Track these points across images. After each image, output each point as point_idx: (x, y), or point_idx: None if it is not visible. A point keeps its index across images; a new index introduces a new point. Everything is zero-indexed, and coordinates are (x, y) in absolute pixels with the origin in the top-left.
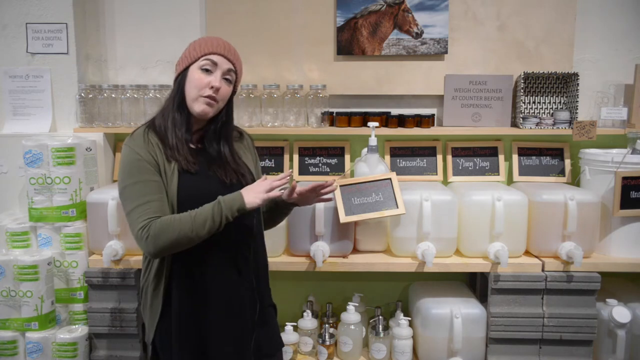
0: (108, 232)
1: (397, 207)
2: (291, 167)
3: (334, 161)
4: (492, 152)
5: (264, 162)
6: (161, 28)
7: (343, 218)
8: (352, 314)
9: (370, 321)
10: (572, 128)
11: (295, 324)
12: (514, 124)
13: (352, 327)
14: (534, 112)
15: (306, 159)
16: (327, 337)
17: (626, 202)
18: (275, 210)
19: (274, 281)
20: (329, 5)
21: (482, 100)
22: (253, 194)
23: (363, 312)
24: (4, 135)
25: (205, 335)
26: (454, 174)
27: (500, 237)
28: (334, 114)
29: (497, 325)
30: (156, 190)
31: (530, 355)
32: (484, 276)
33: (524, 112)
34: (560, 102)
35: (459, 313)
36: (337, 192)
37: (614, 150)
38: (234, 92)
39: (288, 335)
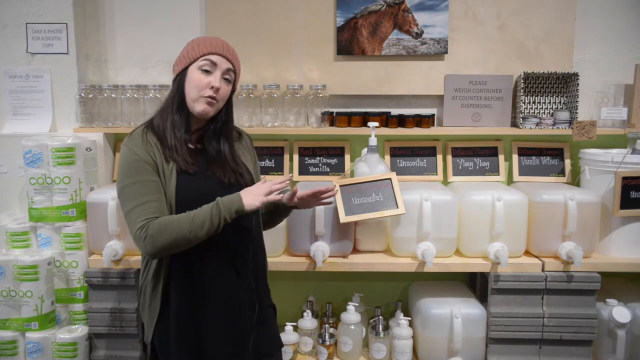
0: (108, 232)
1: (397, 207)
2: (291, 167)
3: (334, 161)
4: (492, 152)
5: (263, 162)
6: (161, 28)
7: (343, 218)
8: (352, 314)
9: (370, 321)
10: (572, 128)
11: (295, 324)
12: (514, 124)
13: (352, 327)
14: (534, 112)
15: (306, 159)
16: (327, 337)
17: (626, 202)
18: (275, 212)
19: (274, 281)
20: (329, 5)
21: (482, 100)
22: (252, 196)
23: (363, 312)
24: (4, 135)
25: (203, 336)
26: (454, 174)
27: (500, 237)
28: (334, 114)
29: (497, 325)
30: (154, 190)
31: (530, 355)
32: (484, 276)
33: (524, 112)
34: (560, 102)
35: (459, 313)
36: (337, 192)
37: (614, 150)
38: (233, 91)
39: (288, 335)
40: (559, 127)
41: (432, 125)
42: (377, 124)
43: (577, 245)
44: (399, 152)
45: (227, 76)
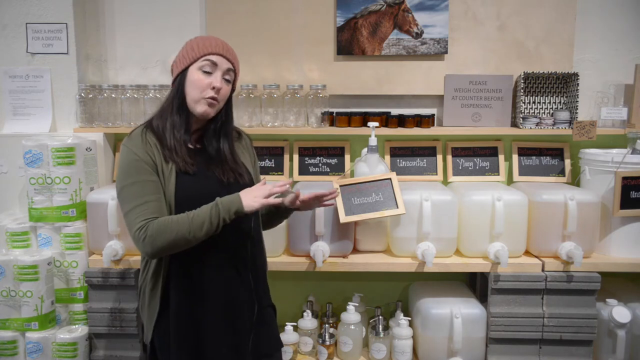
0: (108, 232)
1: (397, 207)
2: (291, 167)
3: (334, 161)
4: (492, 152)
5: (263, 162)
6: (161, 28)
7: (343, 218)
8: (352, 314)
9: (370, 321)
10: (572, 128)
11: (295, 324)
12: (514, 124)
13: (352, 327)
14: (534, 112)
15: (306, 159)
16: (327, 337)
17: (626, 202)
18: (276, 214)
19: (274, 281)
20: (329, 5)
21: (482, 100)
22: (252, 198)
23: (363, 312)
24: (4, 135)
25: (202, 336)
26: (454, 174)
27: (500, 237)
28: (334, 114)
29: (497, 325)
30: (154, 190)
31: (530, 355)
32: (484, 276)
33: (524, 112)
34: (560, 102)
35: (459, 313)
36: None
37: (614, 150)
38: (232, 90)
39: (288, 335)
40: (559, 127)
41: (432, 125)
42: (377, 124)
43: (577, 245)
44: (399, 152)
45: (227, 76)
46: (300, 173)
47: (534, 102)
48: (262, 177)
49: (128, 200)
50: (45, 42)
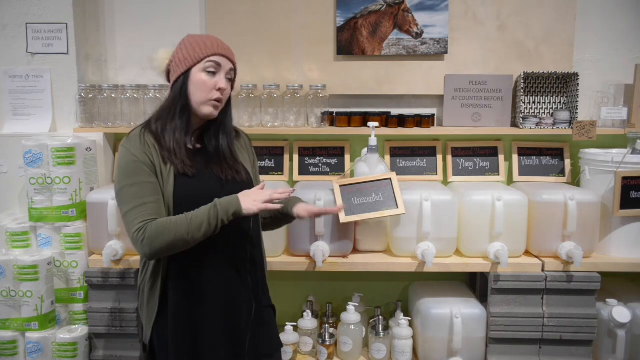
0: (108, 232)
1: (397, 207)
2: (291, 167)
3: (334, 161)
4: (492, 152)
5: (263, 162)
6: (161, 28)
7: (343, 218)
8: (352, 314)
9: (370, 321)
10: (572, 128)
11: (295, 324)
12: (514, 124)
13: (352, 327)
14: (534, 112)
15: (306, 159)
16: (327, 337)
17: (626, 202)
18: (282, 219)
19: (274, 281)
20: (329, 5)
21: (482, 100)
22: (251, 201)
23: (363, 312)
24: (4, 135)
25: (201, 337)
26: (454, 174)
27: (500, 237)
28: (334, 114)
29: (497, 325)
30: (152, 192)
31: (530, 355)
32: (484, 276)
33: (524, 112)
34: (560, 102)
35: (459, 313)
36: (337, 192)
37: (614, 150)
38: (232, 88)
39: (288, 335)
40: (559, 127)
41: (432, 125)
42: (377, 124)
43: (577, 245)
44: (399, 152)
45: (229, 76)
46: (300, 173)
47: (534, 102)
48: (261, 178)
49: (126, 202)
50: (45, 42)
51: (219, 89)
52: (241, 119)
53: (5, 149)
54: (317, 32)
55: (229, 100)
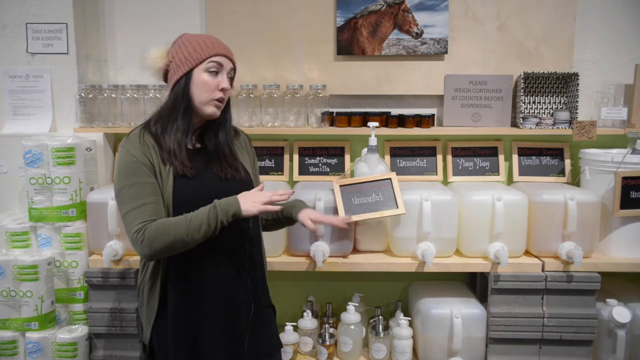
0: (108, 232)
1: (397, 207)
2: (291, 167)
3: (334, 161)
4: (492, 152)
5: (263, 162)
6: (161, 28)
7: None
8: (352, 314)
9: (370, 321)
10: (572, 128)
11: (295, 324)
12: (514, 124)
13: (352, 327)
14: (534, 112)
15: (306, 159)
16: (327, 337)
17: (626, 202)
18: (285, 222)
19: (274, 281)
20: (329, 5)
21: (482, 100)
22: (250, 203)
23: (363, 312)
24: (4, 135)
25: (201, 337)
26: (454, 174)
27: (500, 237)
28: (334, 114)
29: (497, 325)
30: (152, 192)
31: (530, 355)
32: (484, 276)
33: (524, 112)
34: (560, 102)
35: (459, 313)
36: (337, 192)
37: (614, 150)
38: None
39: (288, 335)
40: (559, 127)
41: (432, 125)
42: (377, 124)
43: (577, 245)
44: (399, 152)
45: (230, 75)
46: (300, 173)
47: (534, 102)
48: (261, 178)
49: (126, 203)
50: (45, 42)
51: (222, 89)
52: (241, 119)
53: (5, 149)
54: (317, 32)
55: (228, 99)
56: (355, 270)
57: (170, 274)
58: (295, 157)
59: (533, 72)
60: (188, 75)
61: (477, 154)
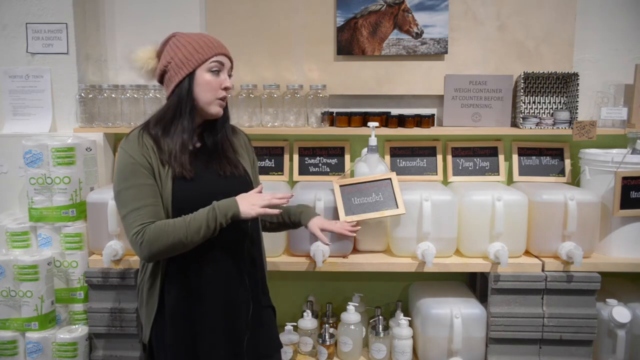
0: (108, 232)
1: (397, 207)
2: (291, 167)
3: (334, 161)
4: (492, 152)
5: (263, 162)
6: (161, 28)
7: (343, 218)
8: (352, 314)
9: (370, 321)
10: (572, 128)
11: (295, 324)
12: (514, 124)
13: (352, 327)
14: (534, 112)
15: (306, 159)
16: (327, 337)
17: (626, 202)
18: (291, 226)
19: (274, 281)
20: (329, 5)
21: (482, 100)
22: (249, 205)
23: (363, 312)
24: (4, 135)
25: (200, 337)
26: (454, 174)
27: (500, 237)
28: (334, 114)
29: (497, 325)
30: (151, 194)
31: (530, 355)
32: (484, 276)
33: (524, 112)
34: (560, 102)
35: (459, 313)
36: (337, 192)
37: (614, 150)
38: None
39: (288, 335)
40: (559, 127)
41: (432, 125)
42: (377, 124)
43: (577, 245)
44: (399, 152)
45: (229, 73)
46: (300, 173)
47: (534, 102)
48: (261, 178)
49: (125, 204)
50: (45, 42)
51: (225, 88)
52: (241, 119)
53: (5, 149)
54: (317, 32)
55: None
56: (355, 270)
57: (170, 273)
58: (295, 157)
59: (533, 72)
60: (191, 76)
61: (477, 154)
